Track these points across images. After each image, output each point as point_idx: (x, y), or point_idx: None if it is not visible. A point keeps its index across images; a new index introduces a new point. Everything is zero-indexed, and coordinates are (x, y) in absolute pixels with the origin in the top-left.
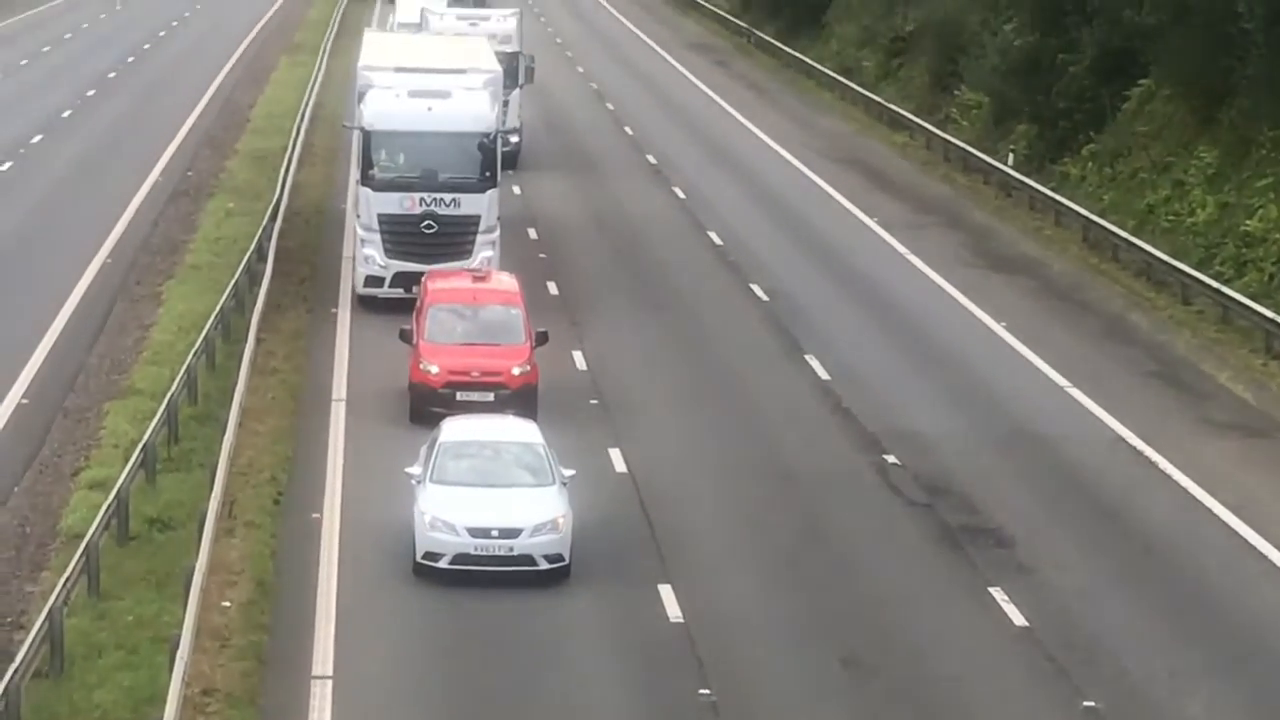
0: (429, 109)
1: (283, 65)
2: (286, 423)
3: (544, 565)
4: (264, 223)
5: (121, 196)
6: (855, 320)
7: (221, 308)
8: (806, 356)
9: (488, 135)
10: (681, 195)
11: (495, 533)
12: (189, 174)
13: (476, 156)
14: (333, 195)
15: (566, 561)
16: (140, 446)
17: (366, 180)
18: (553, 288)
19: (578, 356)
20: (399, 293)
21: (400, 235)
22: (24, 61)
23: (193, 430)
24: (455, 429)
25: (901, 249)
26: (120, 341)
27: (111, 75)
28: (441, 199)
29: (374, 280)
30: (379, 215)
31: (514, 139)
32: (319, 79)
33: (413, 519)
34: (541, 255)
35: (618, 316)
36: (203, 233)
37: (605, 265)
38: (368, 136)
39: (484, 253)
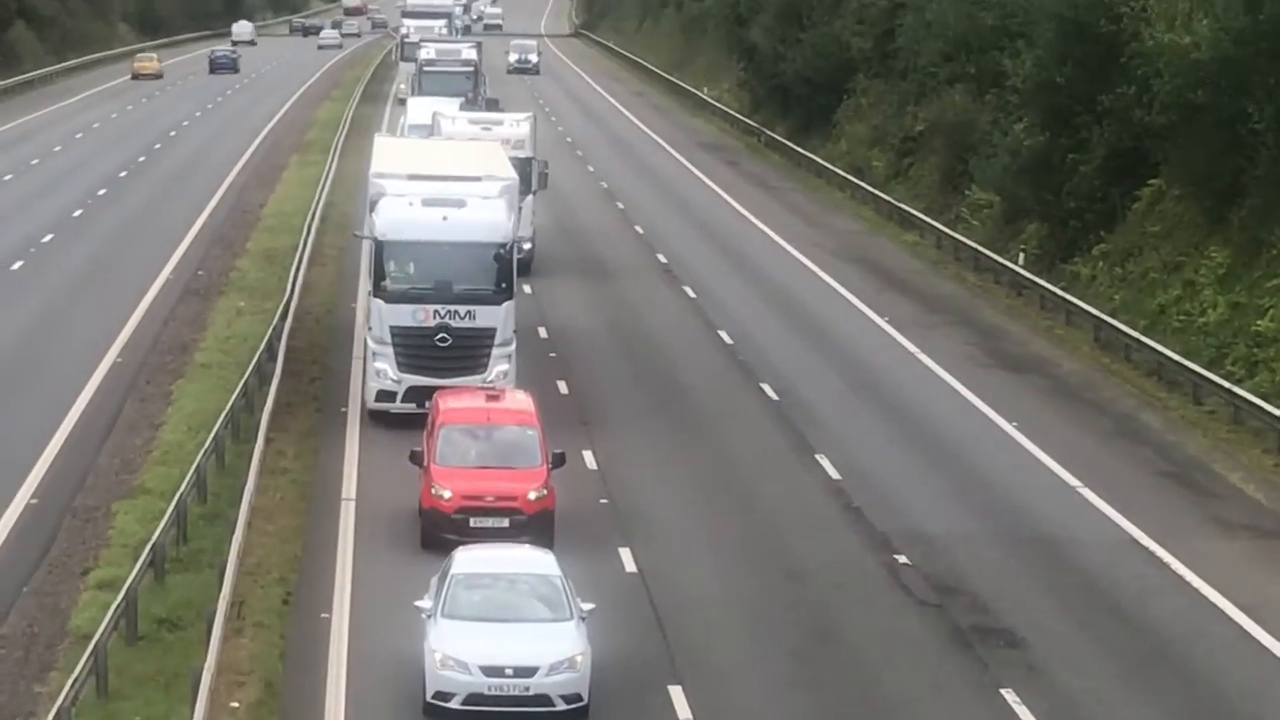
0: (444, 218)
1: (293, 164)
2: (296, 522)
3: (561, 706)
4: (274, 322)
5: (132, 295)
6: (866, 419)
7: (231, 407)
8: (817, 455)
9: (504, 246)
10: (692, 294)
11: (510, 671)
12: (200, 273)
13: (492, 267)
14: (343, 295)
15: (585, 701)
16: (149, 546)
17: (379, 292)
18: (563, 387)
19: (588, 456)
20: (411, 408)
21: (413, 349)
22: (35, 160)
23: (202, 530)
24: (468, 559)
25: (912, 348)
26: (130, 441)
27: (123, 174)
28: (456, 311)
29: (386, 395)
30: (391, 328)
31: (526, 246)
32: (330, 178)
33: (422, 655)
34: (552, 354)
35: (628, 415)
36: (213, 332)
37: (616, 364)
38: (380, 246)
39: (500, 367)
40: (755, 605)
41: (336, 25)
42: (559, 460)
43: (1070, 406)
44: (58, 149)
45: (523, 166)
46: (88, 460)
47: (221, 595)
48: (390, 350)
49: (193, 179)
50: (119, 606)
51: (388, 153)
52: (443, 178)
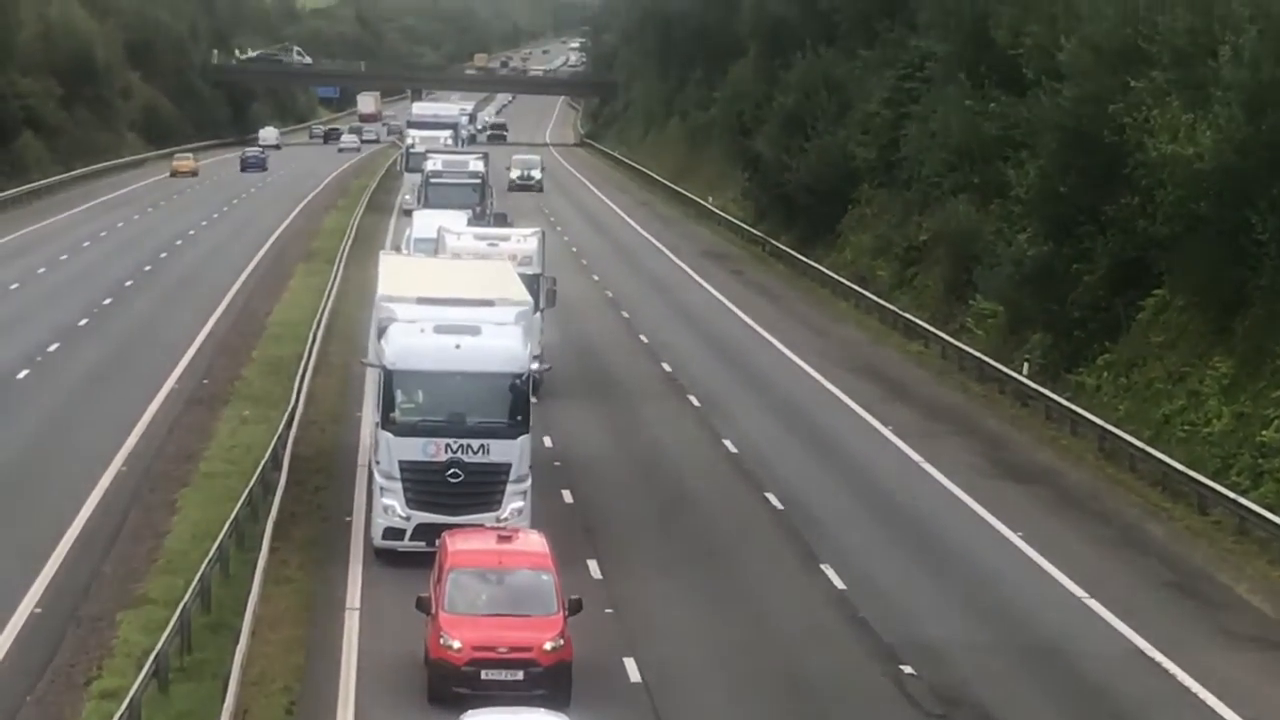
0: (456, 346)
1: (299, 273)
2: (300, 632)
3: None
4: (279, 430)
5: (138, 404)
6: (871, 529)
7: (236, 516)
8: (822, 565)
9: (520, 376)
10: (697, 403)
11: None
12: (205, 382)
13: (507, 398)
14: (348, 403)
15: None
16: (153, 656)
17: (387, 424)
18: (567, 496)
19: (592, 565)
20: (421, 546)
21: (423, 484)
22: (42, 269)
23: (206, 639)
24: None
25: (917, 458)
26: (134, 549)
27: (129, 283)
28: (469, 445)
29: (393, 532)
30: (400, 462)
31: (545, 367)
32: (335, 287)
33: None
34: (556, 463)
35: (633, 524)
36: (218, 440)
37: (620, 473)
38: (389, 376)
39: (514, 504)
40: (760, 715)
41: (354, 131)
42: (576, 607)
43: (1075, 516)
44: (64, 257)
45: (530, 283)
46: (92, 569)
47: (225, 706)
48: (399, 485)
49: (198, 288)
50: (122, 717)
51: (396, 274)
52: (455, 302)
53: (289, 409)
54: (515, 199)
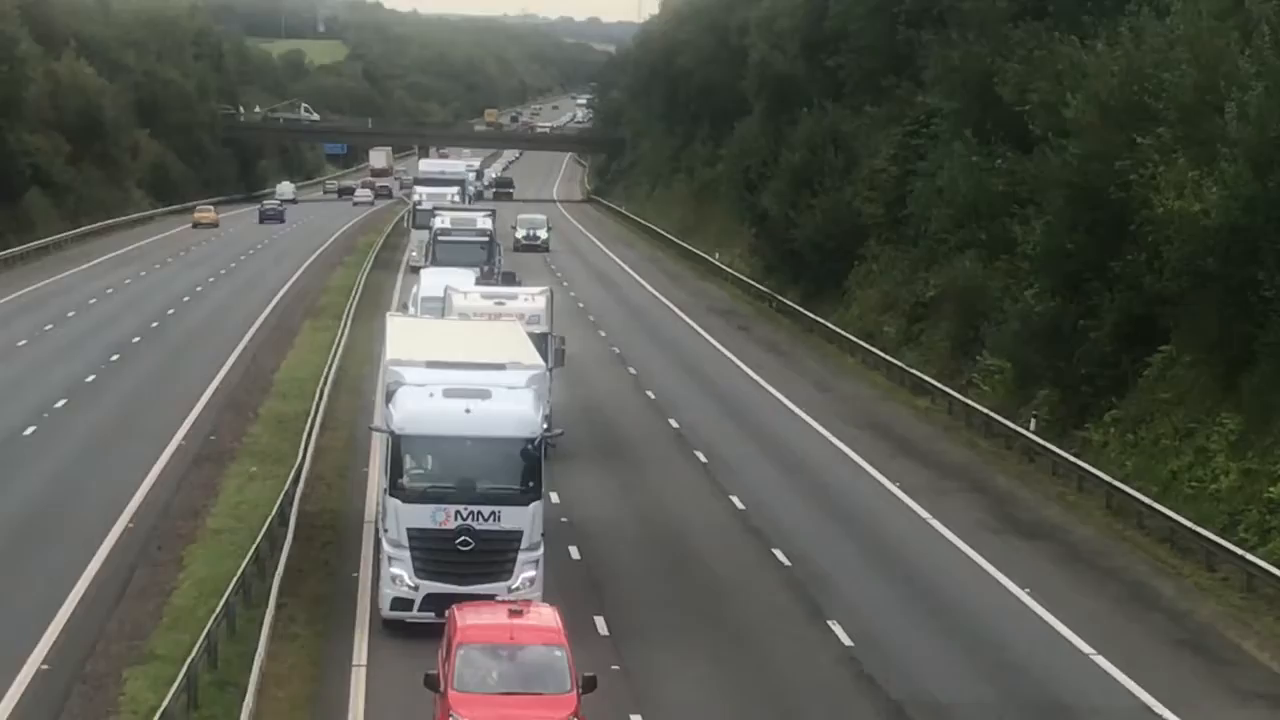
0: (466, 411)
1: (306, 330)
2: (307, 689)
3: None
4: (286, 487)
5: (144, 461)
6: (878, 585)
7: (242, 572)
8: (829, 622)
9: (532, 441)
10: (704, 459)
11: None
12: (212, 438)
13: (519, 464)
14: (355, 460)
15: None
16: (159, 713)
17: (395, 490)
18: (574, 551)
19: (599, 621)
20: (430, 617)
21: (432, 553)
22: (49, 326)
23: (212, 696)
24: None
25: (924, 514)
26: (141, 606)
27: (136, 340)
28: (479, 512)
29: (401, 603)
30: (409, 530)
31: (557, 432)
32: (342, 344)
33: None
34: (563, 519)
35: (640, 581)
36: (224, 497)
37: (627, 528)
38: (398, 441)
39: (526, 573)
40: None
41: (367, 185)
42: (590, 684)
43: (1083, 573)
44: (71, 314)
45: (539, 342)
46: (98, 626)
47: None
48: (407, 554)
49: (206, 344)
50: None
51: (404, 337)
52: (465, 365)
53: (296, 465)
54: (521, 256)
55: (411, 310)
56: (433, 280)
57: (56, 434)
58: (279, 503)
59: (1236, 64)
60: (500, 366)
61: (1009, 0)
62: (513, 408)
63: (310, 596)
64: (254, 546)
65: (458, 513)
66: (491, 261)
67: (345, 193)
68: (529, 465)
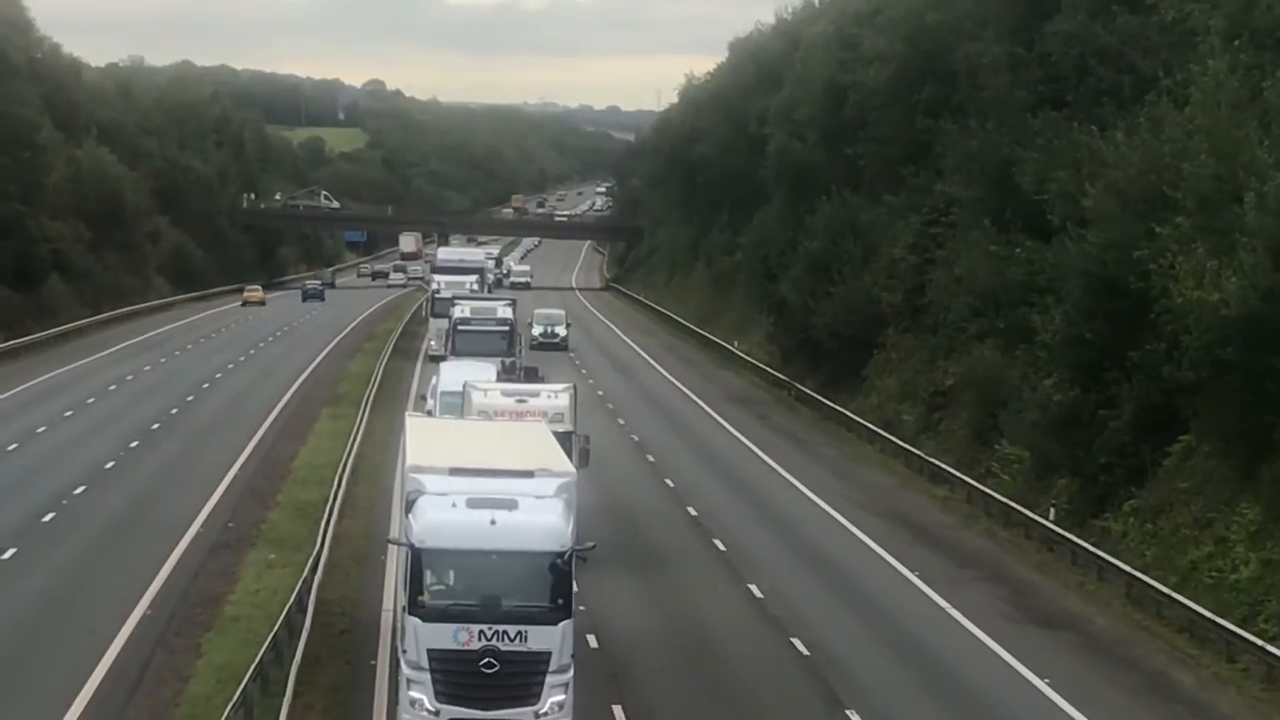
0: (491, 522)
1: (324, 417)
2: None
3: None
4: (304, 574)
5: (163, 548)
6: (897, 674)
7: (260, 660)
8: (848, 711)
9: (561, 555)
10: (722, 547)
11: None
12: (230, 525)
13: (548, 580)
14: (374, 548)
15: None
16: None
17: (415, 608)
18: (592, 640)
19: (618, 711)
20: None
21: (455, 675)
22: (69, 413)
23: None
24: None
25: (943, 603)
26: (158, 693)
27: (155, 426)
28: (505, 632)
29: None
30: (429, 651)
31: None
32: (360, 431)
33: None
34: (581, 607)
35: (658, 670)
36: (243, 584)
37: (646, 617)
38: (418, 555)
39: (554, 697)
40: None
41: (399, 269)
42: None
43: (1102, 663)
44: (91, 400)
45: (563, 441)
46: (116, 713)
47: None
48: (428, 677)
49: (225, 431)
50: None
51: (424, 440)
52: (490, 473)
53: (314, 552)
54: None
55: (430, 403)
56: (452, 374)
57: (76, 520)
58: (297, 590)
59: (1255, 154)
60: (528, 474)
61: (1027, 90)
62: (541, 519)
63: (328, 685)
64: (272, 634)
65: (481, 632)
66: (512, 350)
67: (379, 276)
68: (558, 581)
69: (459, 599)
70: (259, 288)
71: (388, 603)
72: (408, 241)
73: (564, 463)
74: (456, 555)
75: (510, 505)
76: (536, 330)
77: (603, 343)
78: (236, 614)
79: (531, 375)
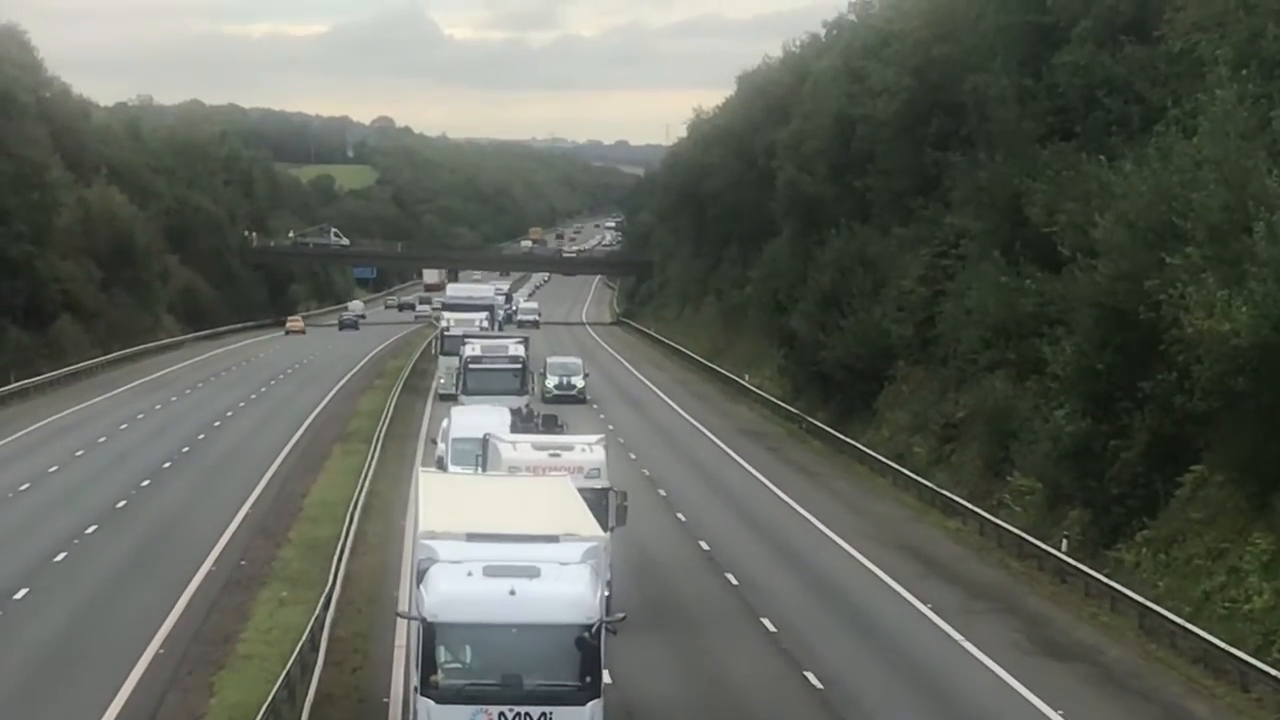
0: (511, 593)
1: (336, 454)
2: None
3: None
4: (316, 612)
5: (175, 586)
6: (910, 707)
7: (273, 698)
8: None
9: (589, 628)
10: (734, 581)
11: None
12: (242, 563)
13: (574, 656)
14: (386, 584)
15: None
16: None
17: (427, 689)
18: (606, 675)
19: None
20: None
21: None
22: (80, 452)
23: None
24: None
25: (956, 635)
26: None
27: (166, 465)
28: (527, 714)
29: None
30: None
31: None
32: (372, 467)
33: None
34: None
35: (672, 706)
36: (255, 622)
37: (658, 652)
38: (430, 630)
39: None
40: None
41: (425, 301)
42: None
43: (1116, 694)
44: (102, 440)
45: (598, 498)
46: None
47: None
48: None
49: (236, 469)
50: None
51: (437, 501)
52: (510, 537)
53: (326, 590)
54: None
55: (440, 447)
56: (465, 420)
57: (88, 559)
58: (310, 628)
59: (1264, 183)
60: (552, 538)
61: (1036, 121)
62: (566, 589)
63: None
64: (285, 672)
65: (502, 715)
66: (525, 390)
67: (405, 307)
68: (586, 657)
69: (476, 678)
70: (299, 318)
71: (399, 639)
72: (431, 275)
73: (591, 525)
74: (473, 630)
75: (532, 573)
76: (550, 382)
77: (614, 377)
78: (249, 652)
79: (551, 424)
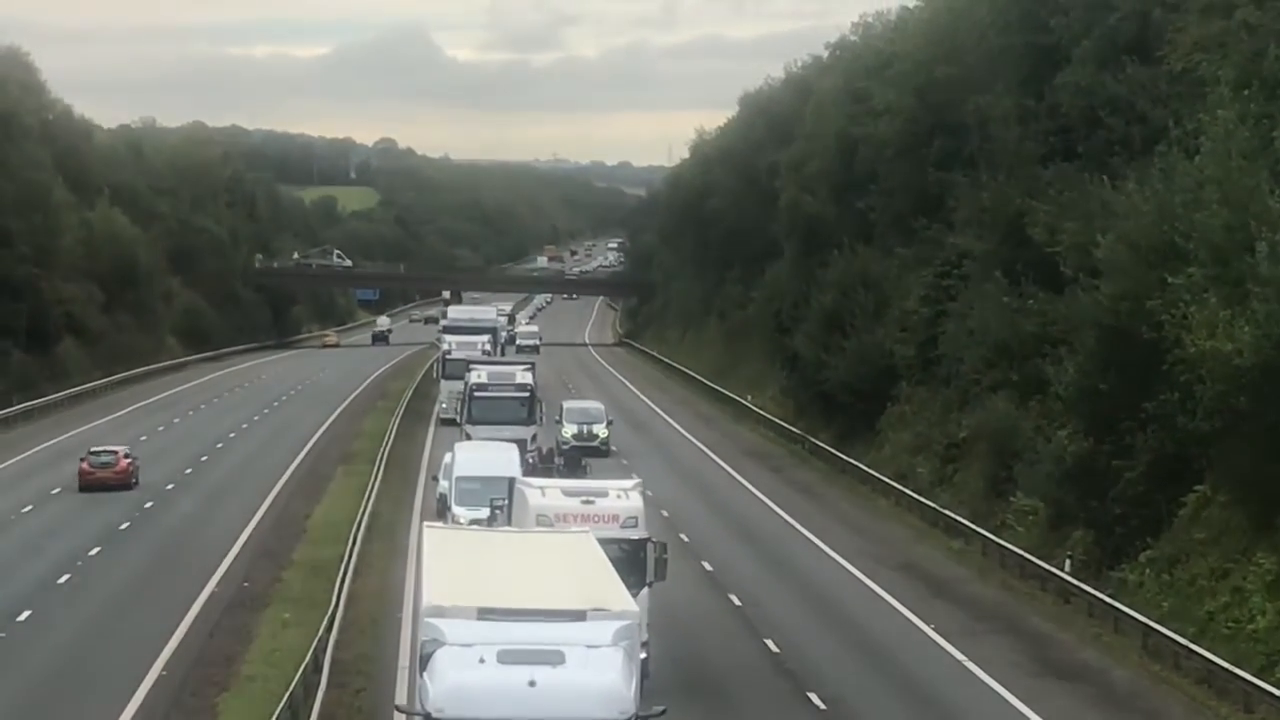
0: (531, 683)
1: (339, 475)
2: None
3: None
4: (320, 633)
5: (178, 608)
6: None
7: None
8: None
9: None
10: (737, 602)
11: None
12: (245, 585)
13: None
14: (389, 605)
15: None
16: None
17: None
18: None
19: None
20: None
21: None
22: None
23: None
24: None
25: (960, 656)
26: None
27: (169, 487)
28: None
29: None
30: None
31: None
32: (375, 488)
33: None
34: None
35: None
36: (258, 644)
37: (659, 673)
38: None
39: None
40: None
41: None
42: None
43: (1120, 715)
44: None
45: (634, 551)
46: None
47: None
48: None
49: (239, 490)
50: None
51: (444, 566)
52: (529, 614)
53: (330, 611)
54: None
55: (443, 484)
56: (471, 457)
57: (91, 581)
58: (313, 649)
59: (1266, 203)
60: (578, 615)
61: (1038, 141)
62: (595, 678)
63: None
64: (288, 693)
65: None
66: (533, 420)
67: (430, 321)
68: None
69: None
70: (333, 331)
71: (402, 661)
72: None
73: (623, 597)
74: None
75: (555, 659)
76: (568, 430)
77: (617, 398)
78: (252, 674)
79: (575, 466)
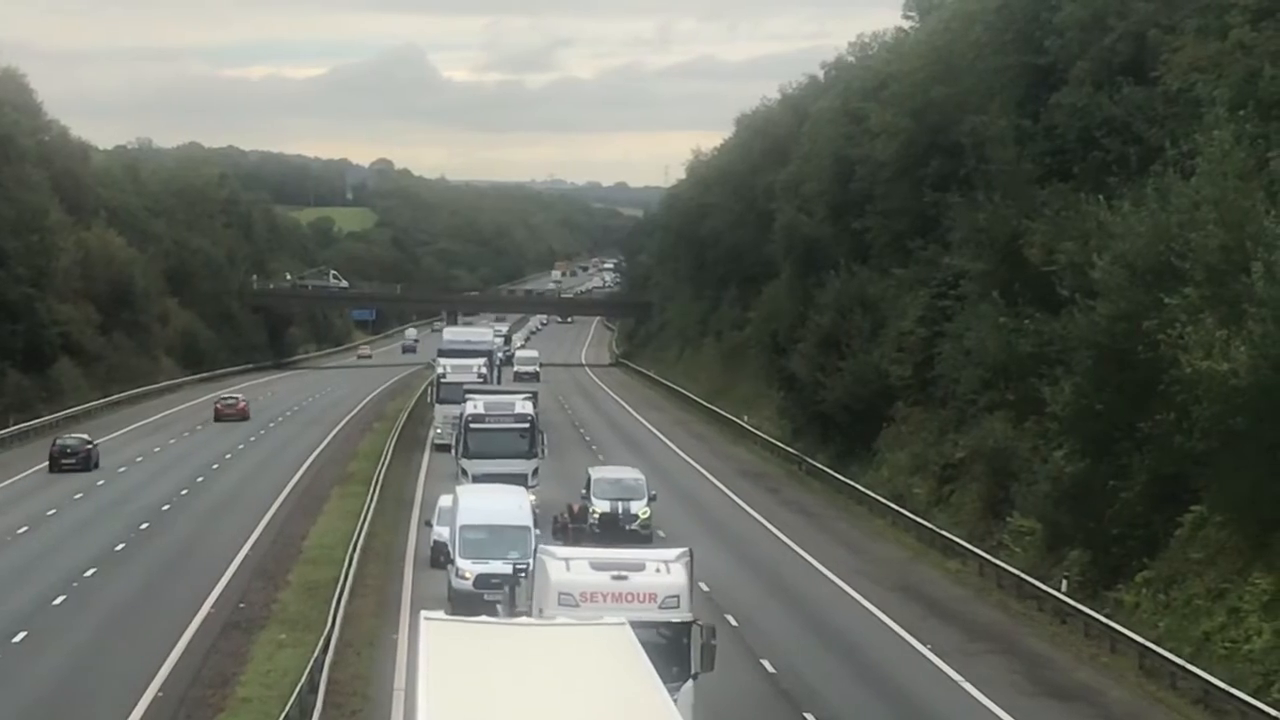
0: None
1: (335, 496)
2: None
3: None
4: (315, 654)
5: (174, 629)
6: None
7: None
8: None
9: None
10: (734, 623)
11: None
12: (241, 606)
13: None
14: (385, 627)
15: None
16: None
17: None
18: None
19: None
20: None
21: None
22: (79, 495)
23: None
24: None
25: (956, 676)
26: None
27: (165, 507)
28: None
29: None
30: None
31: None
32: (371, 509)
33: None
34: None
35: None
36: (254, 665)
37: None
38: None
39: None
40: None
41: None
42: None
43: None
44: (100, 483)
45: (676, 637)
46: None
47: None
48: None
49: (235, 511)
50: None
51: (445, 687)
52: None
53: (325, 632)
54: (555, 424)
55: (439, 532)
56: (476, 504)
57: (86, 602)
58: (309, 670)
59: (1262, 224)
60: None
61: (1034, 162)
62: None
63: None
64: (283, 715)
65: None
66: (534, 452)
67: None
68: None
69: None
70: (368, 344)
71: (399, 681)
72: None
73: (667, 710)
74: None
75: None
76: (601, 506)
77: (613, 418)
78: (248, 695)
79: (611, 527)
